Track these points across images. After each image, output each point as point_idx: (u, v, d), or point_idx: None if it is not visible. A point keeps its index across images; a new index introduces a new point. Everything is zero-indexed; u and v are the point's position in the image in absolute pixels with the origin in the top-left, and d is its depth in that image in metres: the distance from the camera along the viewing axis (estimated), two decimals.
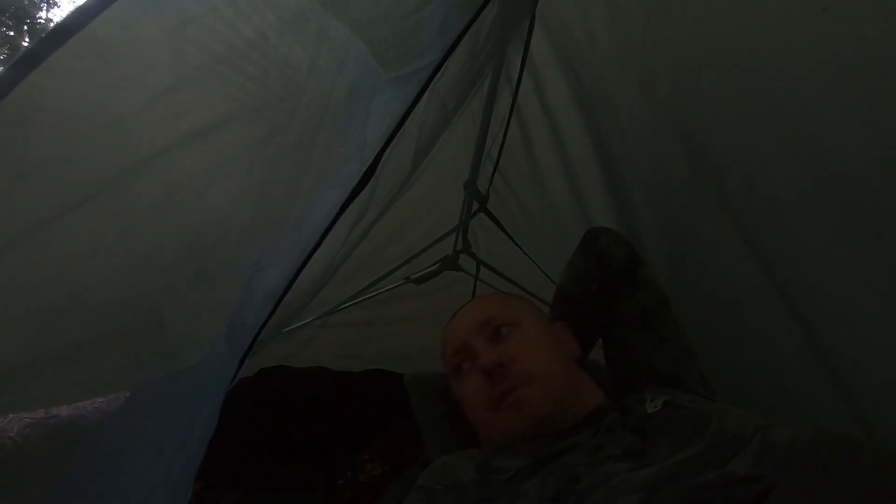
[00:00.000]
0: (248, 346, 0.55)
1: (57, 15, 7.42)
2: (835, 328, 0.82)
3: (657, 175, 1.03)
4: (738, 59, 0.78)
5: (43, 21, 7.33)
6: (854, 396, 0.82)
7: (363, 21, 0.51)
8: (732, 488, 0.54)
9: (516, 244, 1.43)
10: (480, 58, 0.74)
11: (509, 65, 1.07)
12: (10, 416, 0.80)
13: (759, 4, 0.72)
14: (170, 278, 0.64)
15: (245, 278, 0.60)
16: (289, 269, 0.53)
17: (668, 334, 0.90)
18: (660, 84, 0.91)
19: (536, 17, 0.93)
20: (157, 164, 0.59)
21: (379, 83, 0.48)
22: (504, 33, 0.80)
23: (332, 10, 0.50)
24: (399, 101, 0.48)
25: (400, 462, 1.21)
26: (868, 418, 0.81)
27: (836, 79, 0.67)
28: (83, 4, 0.49)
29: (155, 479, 0.61)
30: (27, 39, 7.07)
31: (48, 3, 7.57)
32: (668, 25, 0.85)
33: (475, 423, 0.84)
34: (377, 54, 0.49)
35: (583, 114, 1.09)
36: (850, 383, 0.83)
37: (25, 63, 0.47)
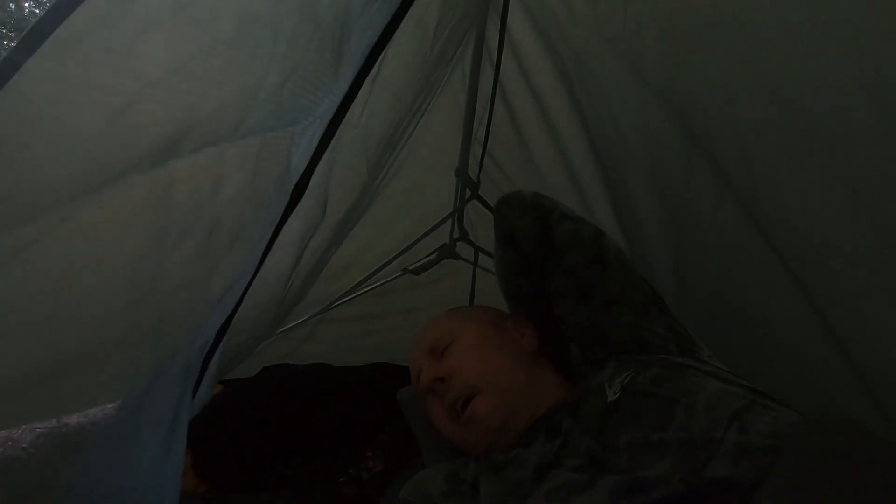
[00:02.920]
0: (198, 372, 0.53)
1: None
2: (841, 304, 0.78)
3: (650, 151, 1.00)
4: (729, 28, 0.73)
5: None
6: (871, 382, 0.78)
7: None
8: (707, 497, 0.50)
9: None
10: (439, 44, 0.70)
11: (489, 43, 1.03)
12: (23, 426, 0.80)
13: None
14: (165, 284, 0.64)
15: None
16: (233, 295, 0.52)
17: (613, 296, 0.80)
18: (646, 57, 0.87)
19: None
20: (148, 164, 0.57)
21: (352, 19, 0.45)
22: (472, 12, 0.76)
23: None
24: (322, 122, 0.45)
25: (403, 458, 1.20)
26: (886, 407, 0.77)
27: (836, 48, 0.63)
28: (55, 3, 0.47)
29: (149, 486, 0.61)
30: None
31: None
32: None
33: (451, 441, 0.84)
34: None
35: (569, 91, 1.05)
36: (863, 371, 0.79)
37: (12, 60, 0.46)
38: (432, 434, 0.94)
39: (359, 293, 1.47)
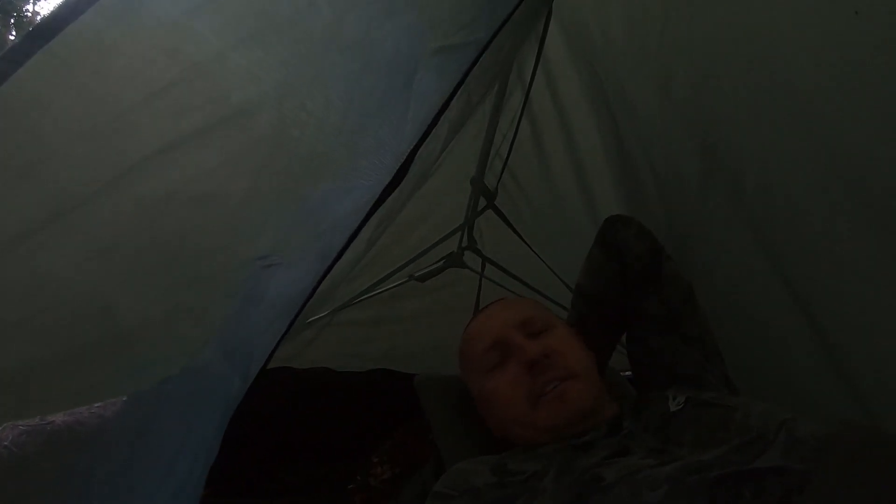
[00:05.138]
0: (261, 361, 0.52)
1: (44, 8, 7.28)
2: (847, 327, 0.81)
3: (669, 172, 1.02)
4: (760, 60, 0.76)
5: (30, 14, 7.20)
6: (865, 396, 0.81)
7: None
8: (760, 480, 0.53)
9: (524, 241, 1.42)
10: (504, 50, 0.71)
11: (521, 60, 1.05)
12: (5, 424, 0.77)
13: (783, 6, 0.71)
14: (168, 281, 0.62)
15: (247, 278, 0.58)
16: (309, 276, 0.51)
17: (693, 335, 0.87)
18: (676, 82, 0.90)
19: (552, 14, 0.91)
20: (158, 162, 0.56)
21: (423, 55, 0.46)
22: (523, 28, 0.78)
23: None
24: (438, 93, 0.45)
25: (410, 464, 1.19)
26: (879, 418, 0.80)
27: (861, 82, 0.66)
28: None
29: (162, 488, 0.59)
30: (14, 33, 6.96)
31: None
32: (688, 24, 0.83)
33: (504, 420, 0.81)
34: (425, 7, 0.46)
35: (595, 110, 1.07)
36: (860, 383, 0.81)
37: (14, 57, 0.45)
38: (453, 425, 0.94)
39: (366, 297, 1.47)
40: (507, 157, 1.22)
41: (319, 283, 0.49)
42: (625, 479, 0.59)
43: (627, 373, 1.01)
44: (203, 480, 0.63)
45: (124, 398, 0.66)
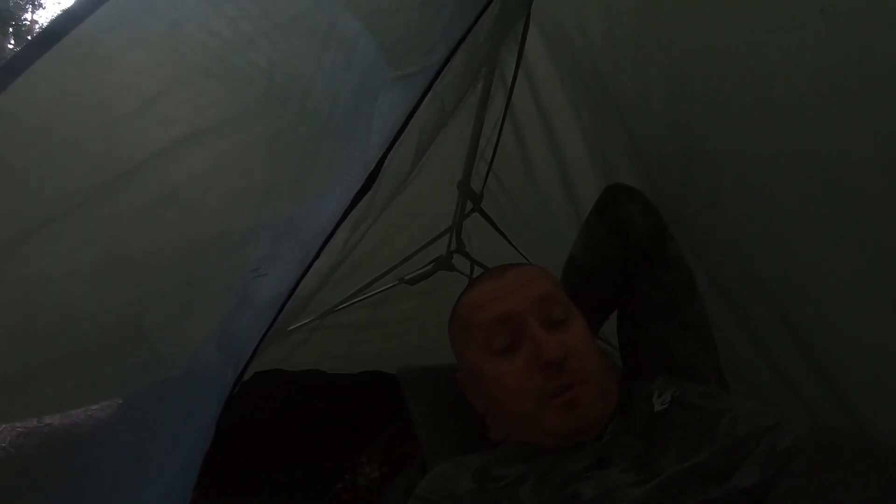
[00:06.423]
0: (248, 355, 0.54)
1: (42, 17, 7.37)
2: (826, 327, 0.82)
3: (649, 172, 1.03)
4: (733, 61, 0.77)
5: (28, 23, 7.27)
6: (845, 396, 0.83)
7: (376, 11, 0.49)
8: (735, 501, 0.54)
9: (511, 244, 1.43)
10: (478, 57, 0.74)
11: (503, 64, 1.07)
12: (3, 425, 0.78)
13: (754, 7, 0.72)
14: (162, 284, 0.63)
15: (241, 282, 0.59)
16: (290, 276, 0.53)
17: (690, 323, 0.82)
18: (653, 84, 0.91)
19: (531, 17, 0.93)
20: (150, 169, 0.58)
21: (384, 82, 0.48)
22: (500, 32, 0.80)
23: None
24: (403, 103, 0.47)
25: (398, 463, 1.21)
26: (860, 417, 0.82)
27: (833, 81, 0.66)
28: (71, 7, 0.48)
29: (154, 487, 0.61)
30: (12, 42, 7.01)
31: (33, 4, 7.50)
32: (662, 26, 0.84)
33: (502, 412, 0.76)
34: (386, 49, 0.48)
35: (576, 113, 1.09)
36: (840, 383, 0.83)
37: (11, 68, 0.46)
38: (435, 417, 0.92)
39: (355, 301, 1.48)
40: (492, 161, 1.24)
41: (296, 286, 0.51)
42: (601, 497, 0.59)
43: None
44: (195, 475, 0.64)
45: (120, 400, 0.67)
